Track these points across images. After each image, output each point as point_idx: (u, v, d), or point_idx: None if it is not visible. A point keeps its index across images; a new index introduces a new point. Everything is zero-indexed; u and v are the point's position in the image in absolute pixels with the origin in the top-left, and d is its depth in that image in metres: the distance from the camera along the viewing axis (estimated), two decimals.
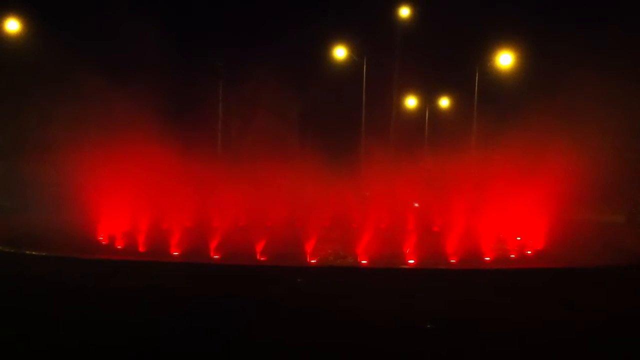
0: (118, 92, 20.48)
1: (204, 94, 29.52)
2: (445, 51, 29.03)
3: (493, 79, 30.45)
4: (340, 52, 30.62)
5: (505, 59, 29.97)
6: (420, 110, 34.76)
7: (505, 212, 18.41)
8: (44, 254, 13.84)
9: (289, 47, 29.17)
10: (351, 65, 31.05)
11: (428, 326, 9.02)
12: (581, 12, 27.52)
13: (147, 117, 19.33)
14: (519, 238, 17.86)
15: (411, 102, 34.51)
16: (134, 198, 18.31)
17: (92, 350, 7.75)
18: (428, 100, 34.53)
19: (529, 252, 16.86)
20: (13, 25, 25.33)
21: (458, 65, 30.61)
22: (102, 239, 17.43)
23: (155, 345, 8.01)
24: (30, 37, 25.23)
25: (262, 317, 9.24)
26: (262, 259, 14.67)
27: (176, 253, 15.35)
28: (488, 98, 30.38)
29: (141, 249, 16.04)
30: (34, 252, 13.91)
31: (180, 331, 8.45)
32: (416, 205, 22.40)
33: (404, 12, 30.47)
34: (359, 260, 14.76)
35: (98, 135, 20.20)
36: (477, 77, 30.92)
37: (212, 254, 15.12)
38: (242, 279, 11.89)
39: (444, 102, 35.08)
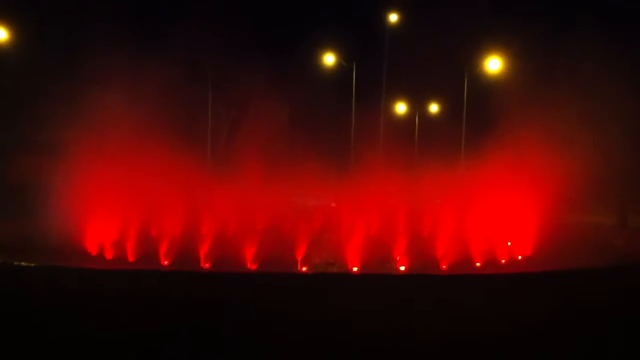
0: (106, 96, 20.32)
1: (193, 99, 29.41)
2: (434, 56, 29.11)
3: (482, 82, 30.57)
4: (329, 59, 30.64)
5: (493, 64, 30.11)
6: (410, 115, 34.90)
7: (496, 217, 18.39)
8: (32, 264, 13.62)
9: (279, 53, 29.21)
10: (340, 71, 31.09)
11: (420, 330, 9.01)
12: (570, 10, 27.57)
13: (136, 122, 19.20)
14: (509, 243, 17.86)
15: (401, 107, 34.63)
16: (123, 204, 18.14)
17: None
18: (417, 105, 34.68)
19: (520, 257, 16.88)
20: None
21: (447, 70, 30.70)
22: (90, 248, 17.20)
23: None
24: (18, 41, 24.99)
25: (252, 324, 9.17)
26: (252, 267, 14.57)
27: (166, 262, 15.21)
28: (477, 101, 30.48)
29: (130, 258, 15.86)
30: (22, 263, 13.69)
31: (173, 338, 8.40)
32: None
33: (393, 17, 30.56)
34: (349, 266, 14.69)
35: (85, 140, 19.95)
36: (465, 81, 31.05)
37: (201, 261, 14.99)
38: (232, 286, 11.80)
39: (434, 108, 35.25)
